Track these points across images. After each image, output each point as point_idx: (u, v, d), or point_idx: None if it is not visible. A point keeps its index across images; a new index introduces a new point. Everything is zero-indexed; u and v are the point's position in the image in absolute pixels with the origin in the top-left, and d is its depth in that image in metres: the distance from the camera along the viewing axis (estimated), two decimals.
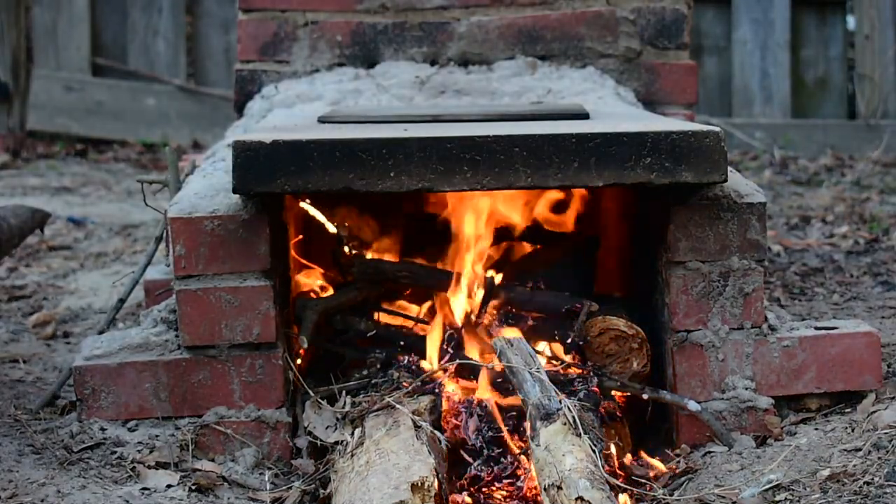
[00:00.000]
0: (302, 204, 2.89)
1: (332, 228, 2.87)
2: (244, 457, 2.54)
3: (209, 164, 2.90)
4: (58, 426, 2.62)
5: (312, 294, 2.91)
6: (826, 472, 2.32)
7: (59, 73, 7.71)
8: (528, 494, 2.37)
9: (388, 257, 2.99)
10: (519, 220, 3.00)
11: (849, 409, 2.63)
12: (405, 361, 2.71)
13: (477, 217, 2.93)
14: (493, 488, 2.41)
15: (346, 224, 2.87)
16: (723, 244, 2.59)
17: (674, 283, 2.61)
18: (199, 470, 2.48)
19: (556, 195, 3.02)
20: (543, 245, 3.08)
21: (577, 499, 2.03)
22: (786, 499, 2.29)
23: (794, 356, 2.64)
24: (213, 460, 2.53)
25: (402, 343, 2.78)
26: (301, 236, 3.00)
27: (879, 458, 2.33)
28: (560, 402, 2.26)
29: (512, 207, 2.98)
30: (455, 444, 2.48)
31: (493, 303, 2.79)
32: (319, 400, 2.62)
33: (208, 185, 2.60)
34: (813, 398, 2.67)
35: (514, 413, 2.52)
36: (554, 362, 2.68)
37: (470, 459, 2.46)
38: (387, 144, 2.38)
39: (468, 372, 2.65)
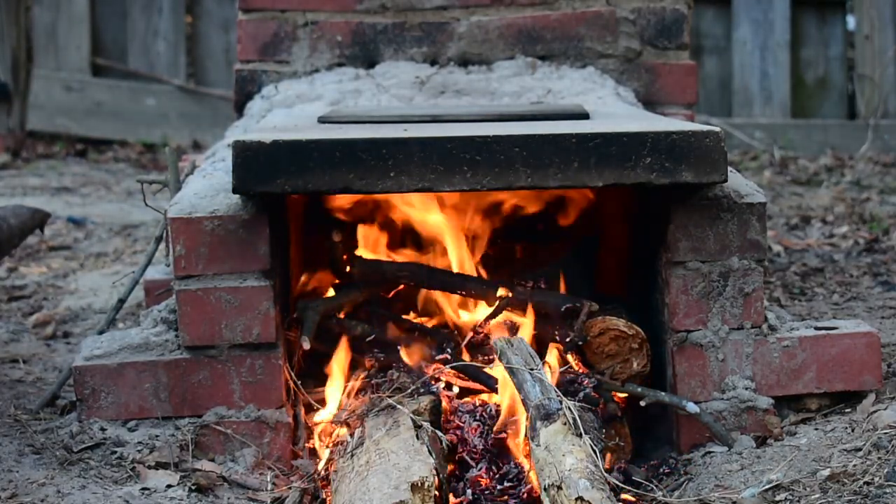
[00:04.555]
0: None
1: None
2: (244, 457, 2.54)
3: (209, 164, 2.90)
4: (58, 426, 2.62)
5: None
6: (826, 472, 2.32)
7: (59, 73, 7.71)
8: (528, 495, 2.37)
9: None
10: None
11: (849, 409, 2.63)
12: (404, 362, 2.71)
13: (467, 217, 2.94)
14: (494, 489, 2.41)
15: (342, 229, 2.88)
16: (723, 244, 2.59)
17: (674, 283, 2.61)
18: (199, 470, 2.48)
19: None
20: (543, 245, 3.08)
21: (577, 499, 2.03)
22: (786, 499, 2.29)
23: (794, 356, 2.64)
24: (213, 460, 2.53)
25: (399, 346, 2.77)
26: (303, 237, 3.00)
27: (879, 458, 2.33)
28: (560, 402, 2.26)
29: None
30: (456, 445, 2.48)
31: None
32: (317, 401, 2.63)
33: (208, 185, 2.60)
34: (813, 398, 2.67)
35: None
36: (553, 367, 2.68)
37: (471, 461, 2.46)
38: (387, 144, 2.38)
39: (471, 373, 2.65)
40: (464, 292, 2.83)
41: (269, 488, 2.46)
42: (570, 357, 2.69)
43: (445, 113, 2.86)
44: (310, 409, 2.65)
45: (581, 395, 2.53)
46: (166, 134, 7.67)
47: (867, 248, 4.62)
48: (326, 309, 2.76)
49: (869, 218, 5.17)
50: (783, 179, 6.58)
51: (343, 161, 2.38)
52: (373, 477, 2.19)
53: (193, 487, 2.41)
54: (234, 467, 2.52)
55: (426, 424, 2.38)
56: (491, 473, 2.43)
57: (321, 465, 2.49)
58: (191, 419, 2.56)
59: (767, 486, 2.33)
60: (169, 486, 2.40)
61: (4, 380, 3.13)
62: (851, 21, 7.85)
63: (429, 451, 2.27)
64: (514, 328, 2.74)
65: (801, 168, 6.90)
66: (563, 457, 2.14)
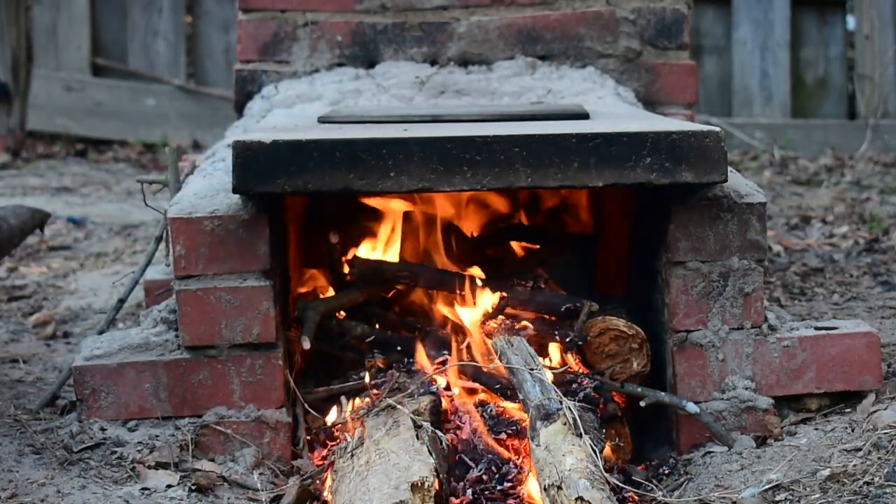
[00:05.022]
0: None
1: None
2: (244, 457, 2.54)
3: (209, 164, 2.90)
4: (58, 426, 2.62)
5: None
6: (826, 472, 2.32)
7: (59, 73, 7.71)
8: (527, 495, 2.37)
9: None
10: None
11: (849, 409, 2.63)
12: (404, 363, 2.71)
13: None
14: (494, 489, 2.41)
15: (339, 230, 2.88)
16: (723, 244, 2.59)
17: (674, 283, 2.61)
18: (199, 470, 2.48)
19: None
20: (543, 244, 3.08)
21: (577, 499, 2.03)
22: (786, 499, 2.29)
23: (794, 356, 2.64)
24: (213, 460, 2.53)
25: (399, 347, 2.77)
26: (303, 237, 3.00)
27: (879, 458, 2.33)
28: (560, 402, 2.26)
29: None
30: (455, 446, 2.48)
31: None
32: (319, 401, 2.63)
33: (208, 185, 2.60)
34: (813, 398, 2.67)
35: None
36: (554, 368, 2.68)
37: (470, 462, 2.45)
38: (387, 144, 2.38)
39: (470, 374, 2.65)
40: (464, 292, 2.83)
41: (268, 488, 2.46)
42: (570, 357, 2.69)
43: (445, 113, 2.86)
44: (310, 410, 2.65)
45: (581, 395, 2.53)
46: (166, 134, 7.67)
47: (867, 248, 4.62)
48: (326, 309, 2.77)
49: (869, 218, 5.17)
50: (783, 179, 6.58)
51: (343, 161, 2.38)
52: (373, 477, 2.19)
53: (193, 487, 2.41)
54: (234, 467, 2.52)
55: (426, 424, 2.38)
56: (490, 473, 2.43)
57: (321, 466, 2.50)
58: (191, 419, 2.56)
59: (767, 486, 2.33)
60: (169, 486, 2.40)
61: (4, 380, 3.13)
62: (851, 21, 7.85)
63: (429, 451, 2.27)
64: (513, 328, 2.74)
65: (801, 168, 6.91)
66: (563, 457, 2.14)
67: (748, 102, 7.72)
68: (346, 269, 2.88)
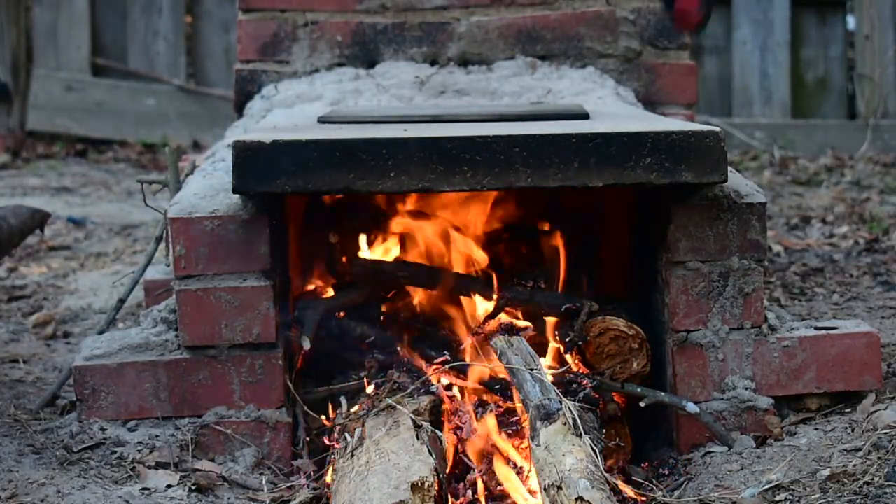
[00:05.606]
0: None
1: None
2: (244, 457, 2.54)
3: (209, 164, 2.90)
4: (58, 426, 2.62)
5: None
6: (826, 472, 2.32)
7: (59, 73, 7.71)
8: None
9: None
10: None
11: (849, 409, 2.63)
12: (405, 363, 2.71)
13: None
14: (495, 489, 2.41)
15: (339, 230, 2.88)
16: (723, 244, 2.59)
17: (674, 283, 2.61)
18: (199, 470, 2.48)
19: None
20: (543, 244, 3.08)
21: (577, 499, 2.03)
22: (786, 499, 2.29)
23: (794, 356, 2.64)
24: (213, 460, 2.53)
25: (399, 347, 2.77)
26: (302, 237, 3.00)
27: (879, 458, 2.33)
28: (560, 402, 2.26)
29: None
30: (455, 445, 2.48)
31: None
32: (319, 401, 2.63)
33: (208, 185, 2.60)
34: (813, 398, 2.67)
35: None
36: (555, 366, 2.68)
37: (470, 462, 2.45)
38: (387, 144, 2.38)
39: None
40: (464, 293, 2.83)
41: (268, 489, 2.46)
42: (569, 357, 2.69)
43: (445, 113, 2.86)
44: (309, 410, 2.65)
45: (581, 395, 2.53)
46: (166, 134, 7.67)
47: (867, 248, 4.62)
48: (326, 309, 2.77)
49: (869, 218, 5.17)
50: (783, 179, 6.58)
51: (343, 161, 2.38)
52: (373, 477, 2.19)
53: (193, 487, 2.41)
54: (234, 467, 2.52)
55: (426, 424, 2.39)
56: (490, 473, 2.43)
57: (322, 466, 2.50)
58: (191, 419, 2.56)
59: (767, 486, 2.33)
60: (169, 486, 2.40)
61: (4, 380, 3.13)
62: (851, 21, 7.85)
63: (429, 451, 2.27)
64: (513, 328, 2.74)
65: (801, 168, 6.90)
66: (563, 457, 2.14)
67: (748, 102, 7.71)
68: (346, 269, 2.88)
